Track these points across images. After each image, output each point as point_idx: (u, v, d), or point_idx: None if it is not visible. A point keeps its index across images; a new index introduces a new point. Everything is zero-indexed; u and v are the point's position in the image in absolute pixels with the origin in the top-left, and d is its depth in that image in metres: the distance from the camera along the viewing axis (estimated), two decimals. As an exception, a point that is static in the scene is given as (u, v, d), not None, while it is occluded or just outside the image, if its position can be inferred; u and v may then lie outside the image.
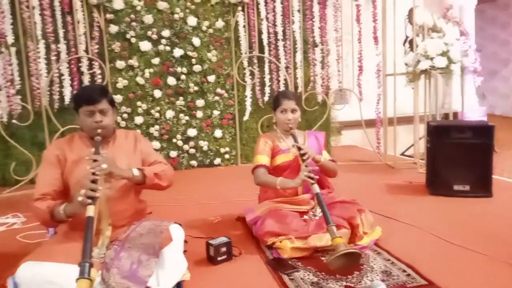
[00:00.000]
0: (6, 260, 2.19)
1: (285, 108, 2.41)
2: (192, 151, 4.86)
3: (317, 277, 1.84)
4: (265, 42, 4.84)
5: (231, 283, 1.86)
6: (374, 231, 2.26)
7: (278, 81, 4.94)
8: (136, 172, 1.91)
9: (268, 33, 4.85)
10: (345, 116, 5.54)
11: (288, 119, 2.40)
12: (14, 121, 4.07)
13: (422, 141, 4.27)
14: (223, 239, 2.07)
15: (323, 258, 2.04)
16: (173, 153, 4.77)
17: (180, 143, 4.81)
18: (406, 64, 4.31)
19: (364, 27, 4.79)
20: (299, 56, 4.88)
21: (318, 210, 2.27)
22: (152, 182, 1.95)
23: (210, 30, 4.76)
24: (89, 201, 1.66)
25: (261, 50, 4.84)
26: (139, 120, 4.64)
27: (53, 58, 4.22)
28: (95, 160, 1.75)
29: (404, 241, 2.30)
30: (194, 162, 4.88)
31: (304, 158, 2.20)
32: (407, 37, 5.49)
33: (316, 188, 2.12)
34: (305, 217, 2.32)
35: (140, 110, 4.64)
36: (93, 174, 1.71)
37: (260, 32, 4.82)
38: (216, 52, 4.80)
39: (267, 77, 4.90)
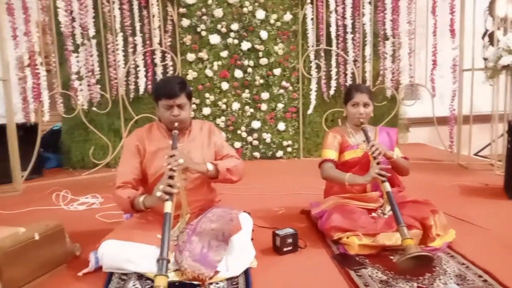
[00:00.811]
0: (87, 236, 2.37)
1: (357, 102, 2.34)
2: (256, 142, 4.92)
3: (386, 276, 1.79)
4: (333, 35, 4.76)
5: (297, 274, 1.88)
6: (448, 234, 2.15)
7: (345, 74, 4.85)
8: (210, 167, 1.97)
9: (337, 25, 4.76)
10: (414, 112, 5.31)
11: (359, 113, 2.33)
12: (94, 108, 4.38)
13: (499, 141, 3.98)
14: (289, 230, 2.08)
15: (392, 257, 1.98)
16: (237, 144, 4.87)
17: (244, 134, 4.89)
18: (485, 59, 4.04)
19: (440, 19, 4.53)
20: (368, 50, 4.74)
21: (388, 208, 2.20)
22: (224, 177, 2.01)
23: (278, 23, 4.77)
24: (167, 197, 1.74)
25: (329, 43, 4.77)
26: (206, 111, 4.78)
27: (130, 50, 4.47)
28: (172, 156, 1.82)
29: (479, 245, 2.17)
30: (257, 154, 4.95)
31: (375, 154, 2.14)
32: (486, 30, 5.13)
33: (387, 186, 2.05)
34: (373, 214, 2.26)
35: (208, 101, 4.79)
36: (170, 170, 1.78)
37: (328, 25, 4.75)
38: (282, 45, 4.81)
39: (333, 71, 4.83)
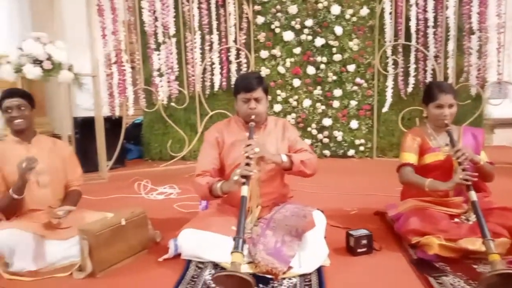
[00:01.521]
0: (166, 224, 2.51)
1: (441, 104, 2.18)
2: (326, 140, 4.86)
3: (469, 286, 1.68)
4: (412, 29, 4.54)
5: (371, 276, 1.83)
6: (542, 245, 1.96)
7: (425, 71, 4.60)
8: (284, 158, 2.01)
9: (417, 19, 4.53)
10: (500, 112, 4.89)
11: (444, 115, 2.18)
12: (172, 103, 4.61)
13: None
14: (364, 231, 2.04)
15: (475, 266, 1.85)
16: (307, 142, 4.85)
17: (314, 132, 4.85)
18: None
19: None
20: (451, 45, 4.45)
21: (473, 216, 2.05)
22: (298, 169, 2.02)
23: (354, 18, 4.65)
24: (243, 180, 1.80)
25: (408, 38, 4.56)
26: (277, 108, 4.82)
27: (207, 48, 4.63)
28: (249, 145, 1.89)
29: None
30: (327, 152, 4.88)
31: (461, 160, 1.98)
32: None
33: (473, 195, 1.89)
34: (456, 220, 2.13)
35: (279, 98, 4.81)
36: (247, 157, 1.85)
37: (407, 19, 4.54)
38: (358, 40, 4.69)
39: (412, 67, 4.61)
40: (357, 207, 2.88)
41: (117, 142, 4.26)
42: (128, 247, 2.06)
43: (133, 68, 4.44)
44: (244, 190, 1.79)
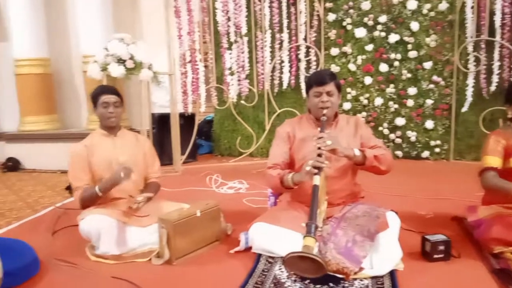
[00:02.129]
0: (236, 218, 2.58)
1: None
2: (398, 141, 4.68)
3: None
4: (497, 24, 4.21)
5: (449, 284, 1.74)
6: None
7: (510, 69, 4.25)
8: (357, 152, 1.99)
9: (503, 13, 4.19)
10: None
11: None
12: (242, 101, 4.72)
13: None
14: (441, 237, 1.94)
15: None
16: (378, 142, 4.70)
17: (386, 131, 4.70)
18: None
19: None
20: (542, 40, 4.07)
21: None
22: (372, 164, 1.99)
23: (432, 13, 4.43)
24: (315, 171, 1.82)
25: (492, 33, 4.24)
26: (347, 106, 4.73)
27: (277, 46, 4.67)
28: (321, 137, 1.90)
29: None
30: (399, 153, 4.70)
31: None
32: None
33: None
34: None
35: (349, 96, 4.72)
36: (319, 149, 1.86)
37: (492, 13, 4.22)
38: (435, 36, 4.45)
39: (496, 64, 4.28)
40: (432, 211, 2.74)
41: (190, 138, 4.45)
42: (202, 237, 2.16)
43: (206, 67, 4.61)
44: (316, 180, 1.81)
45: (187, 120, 4.55)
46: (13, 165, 5.94)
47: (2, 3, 5.87)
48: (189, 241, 2.09)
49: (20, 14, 5.49)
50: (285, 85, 4.73)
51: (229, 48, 4.67)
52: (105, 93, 2.29)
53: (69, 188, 4.23)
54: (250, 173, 3.90)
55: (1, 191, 4.50)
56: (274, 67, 4.71)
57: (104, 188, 2.18)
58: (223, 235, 2.33)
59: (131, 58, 3.54)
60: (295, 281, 1.77)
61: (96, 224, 2.10)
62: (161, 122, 4.54)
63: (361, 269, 1.76)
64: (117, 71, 3.46)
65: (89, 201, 2.24)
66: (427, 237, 1.96)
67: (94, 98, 2.31)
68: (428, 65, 4.48)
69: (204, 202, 2.27)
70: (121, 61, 3.51)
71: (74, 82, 6.21)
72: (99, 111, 2.31)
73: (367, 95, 4.69)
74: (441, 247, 1.91)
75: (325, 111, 2.04)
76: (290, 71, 4.72)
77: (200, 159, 4.96)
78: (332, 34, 4.64)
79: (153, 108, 4.86)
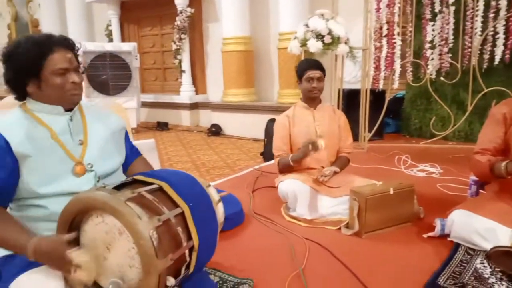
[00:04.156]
0: (429, 202, 2.44)
1: None
2: None
3: None
4: None
5: None
6: None
7: None
8: None
9: None
10: None
11: None
12: (441, 78, 4.31)
13: None
14: None
15: None
16: None
17: None
18: None
19: None
20: None
21: None
22: None
23: None
24: None
25: None
26: None
27: (491, 16, 4.05)
28: None
29: None
30: None
31: None
32: None
33: None
34: None
35: None
36: None
37: None
38: None
39: None
40: None
41: (377, 115, 4.33)
42: (393, 216, 2.12)
43: (403, 41, 4.34)
44: None
45: (376, 96, 4.43)
46: (216, 130, 6.91)
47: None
48: (379, 217, 2.08)
49: (229, -3, 6.23)
50: (496, 60, 4.09)
51: (432, 20, 4.28)
52: (311, 68, 2.41)
53: (262, 154, 4.70)
54: (444, 158, 3.58)
55: (206, 151, 5.30)
56: (485, 40, 4.11)
57: (295, 159, 2.37)
58: (414, 218, 2.23)
59: (329, 33, 3.60)
60: (501, 279, 1.59)
61: (293, 187, 2.29)
62: (349, 98, 4.54)
63: None
64: (315, 46, 3.59)
65: (284, 169, 2.47)
66: None
67: (300, 72, 2.46)
68: None
69: (398, 181, 2.21)
70: (319, 36, 3.62)
71: (270, 59, 6.74)
72: (303, 85, 2.45)
73: None
74: None
75: None
76: (504, 45, 4.05)
77: (387, 138, 4.79)
78: None
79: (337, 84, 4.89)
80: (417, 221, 2.22)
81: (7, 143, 1.24)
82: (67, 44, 1.34)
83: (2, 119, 1.33)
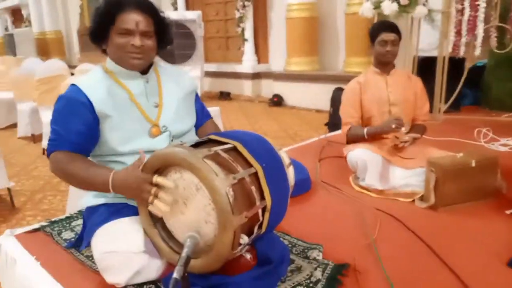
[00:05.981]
0: (513, 178, 2.23)
1: None
2: None
3: None
4: None
5: None
6: None
7: None
8: None
9: None
10: None
11: None
12: (532, 44, 3.86)
13: None
14: None
15: None
16: None
17: None
18: None
19: None
20: None
21: None
22: None
23: None
24: None
25: None
26: None
27: None
28: None
29: None
30: None
31: None
32: None
33: None
34: None
35: None
36: None
37: None
38: None
39: None
40: None
41: (455, 85, 4.00)
42: (473, 190, 1.97)
43: (488, 3, 3.93)
44: None
45: (454, 65, 4.08)
46: (278, 100, 6.85)
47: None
48: (458, 191, 1.94)
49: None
50: None
51: (523, -22, 3.82)
52: (384, 30, 2.25)
53: (327, 124, 4.59)
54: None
55: (268, 122, 5.29)
56: None
57: (372, 133, 2.27)
58: (497, 193, 2.05)
59: (406, -6, 3.35)
60: None
61: (364, 156, 2.19)
62: (424, 65, 4.24)
63: None
64: (389, 8, 3.36)
65: (354, 139, 2.38)
66: None
67: (373, 34, 2.31)
68: None
69: (481, 152, 2.03)
70: (396, -2, 3.38)
71: (336, 25, 6.47)
72: (376, 48, 2.30)
73: None
74: None
75: None
76: None
77: (464, 110, 4.44)
78: None
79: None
80: (499, 196, 2.05)
81: (90, 101, 1.29)
82: (141, 6, 1.34)
83: (84, 79, 1.38)
